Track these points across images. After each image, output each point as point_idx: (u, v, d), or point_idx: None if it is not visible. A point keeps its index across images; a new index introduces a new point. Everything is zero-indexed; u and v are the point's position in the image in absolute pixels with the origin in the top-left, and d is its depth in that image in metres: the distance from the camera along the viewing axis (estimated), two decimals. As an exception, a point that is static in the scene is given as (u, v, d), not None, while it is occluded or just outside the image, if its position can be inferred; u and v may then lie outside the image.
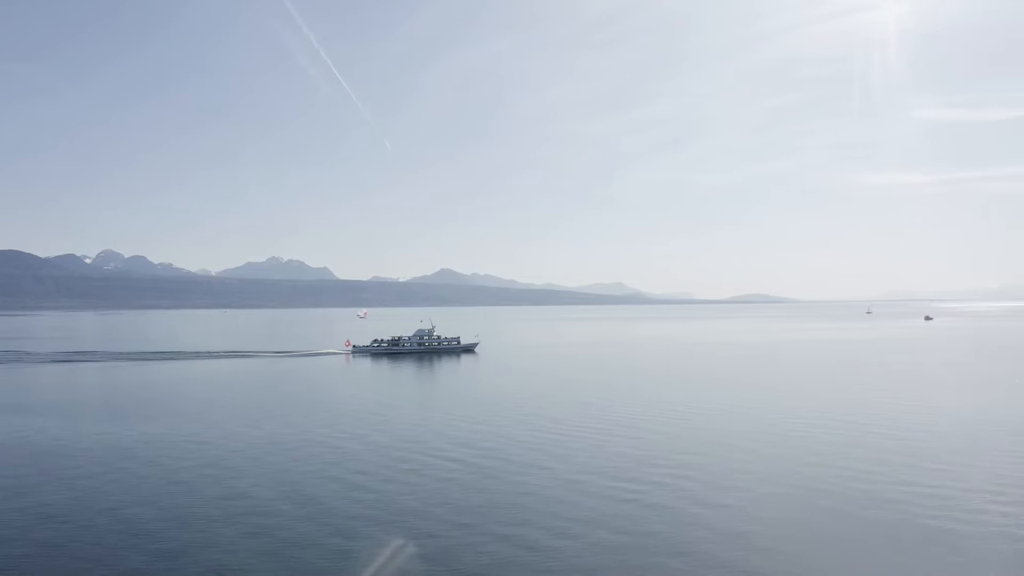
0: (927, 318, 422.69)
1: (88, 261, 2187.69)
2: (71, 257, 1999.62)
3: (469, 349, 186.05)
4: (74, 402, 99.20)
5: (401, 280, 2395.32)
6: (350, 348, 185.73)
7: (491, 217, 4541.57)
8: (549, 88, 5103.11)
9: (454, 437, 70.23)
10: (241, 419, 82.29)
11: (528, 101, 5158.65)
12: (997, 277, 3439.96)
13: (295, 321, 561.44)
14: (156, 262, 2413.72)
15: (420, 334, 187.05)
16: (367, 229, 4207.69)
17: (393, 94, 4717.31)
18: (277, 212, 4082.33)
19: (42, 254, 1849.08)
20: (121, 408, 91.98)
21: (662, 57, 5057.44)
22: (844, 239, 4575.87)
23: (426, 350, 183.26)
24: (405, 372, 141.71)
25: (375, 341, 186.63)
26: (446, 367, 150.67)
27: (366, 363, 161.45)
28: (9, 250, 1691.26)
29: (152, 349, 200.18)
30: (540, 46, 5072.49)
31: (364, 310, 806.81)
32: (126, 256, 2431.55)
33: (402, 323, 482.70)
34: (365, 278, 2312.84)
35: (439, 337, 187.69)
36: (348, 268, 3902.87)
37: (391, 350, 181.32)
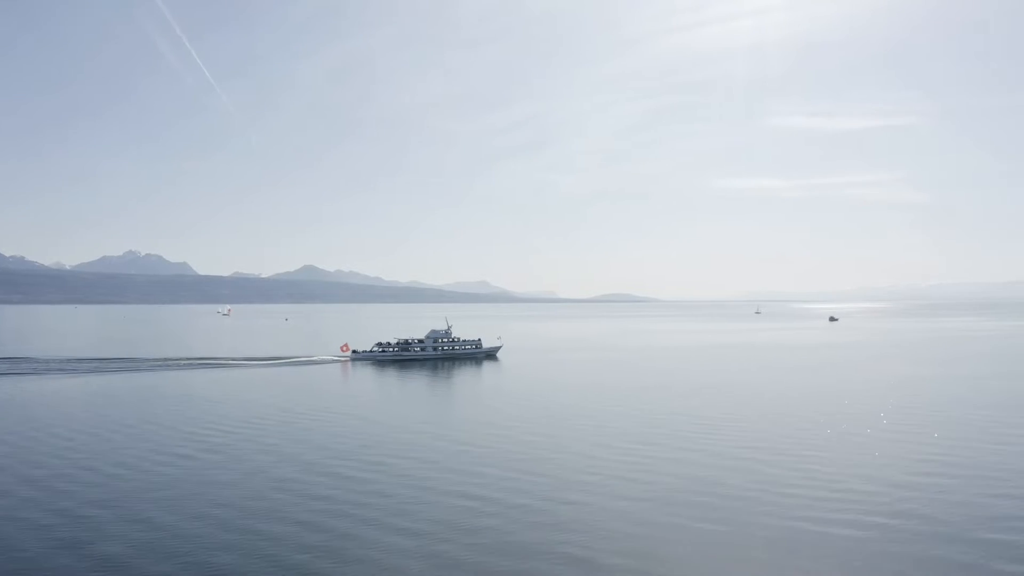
0: (832, 319, 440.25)
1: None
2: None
3: (491, 354, 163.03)
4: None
5: (263, 276, 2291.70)
6: (348, 354, 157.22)
7: (357, 213, 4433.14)
8: (419, 85, 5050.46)
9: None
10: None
11: (398, 98, 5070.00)
12: (851, 279, 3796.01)
13: (149, 319, 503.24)
14: (8, 255, 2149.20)
15: (434, 336, 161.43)
16: (229, 224, 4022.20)
17: (261, 88, 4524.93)
18: (135, 205, 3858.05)
19: None
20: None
21: (532, 58, 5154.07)
22: (704, 241, 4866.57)
23: (441, 356, 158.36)
24: (416, 384, 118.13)
25: (378, 345, 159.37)
26: (465, 378, 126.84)
27: (368, 372, 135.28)
28: None
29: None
30: (411, 43, 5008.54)
31: (228, 307, 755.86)
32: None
33: (265, 320, 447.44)
34: (226, 274, 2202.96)
35: (456, 340, 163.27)
36: (208, 263, 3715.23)
37: (399, 356, 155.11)
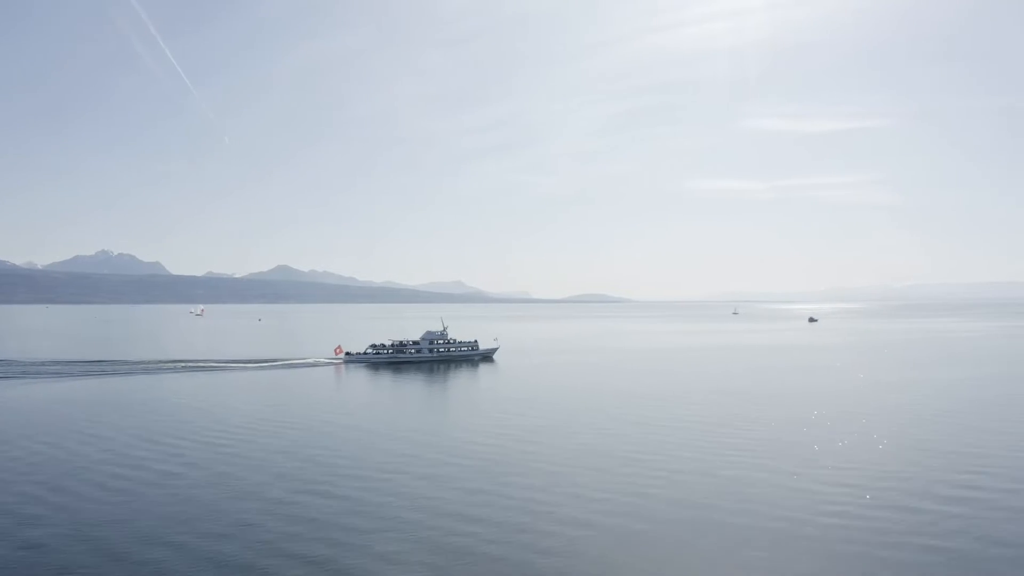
0: (811, 319, 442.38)
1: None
2: None
3: (488, 356, 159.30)
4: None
5: (237, 276, 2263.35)
6: (341, 356, 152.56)
7: (332, 213, 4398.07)
8: (395, 85, 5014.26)
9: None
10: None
11: (374, 98, 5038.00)
12: (827, 279, 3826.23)
13: (121, 319, 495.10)
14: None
15: (429, 338, 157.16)
16: (203, 224, 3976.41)
17: (236, 88, 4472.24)
18: (109, 204, 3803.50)
19: None
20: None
21: (509, 58, 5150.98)
22: (679, 242, 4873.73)
23: (437, 358, 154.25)
24: (412, 388, 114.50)
25: (372, 347, 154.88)
26: (463, 381, 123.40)
27: (361, 375, 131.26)
28: None
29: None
30: (387, 42, 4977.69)
31: (201, 307, 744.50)
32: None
33: (239, 321, 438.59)
34: (199, 273, 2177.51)
35: (452, 341, 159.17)
36: (182, 263, 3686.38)
37: (394, 359, 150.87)
